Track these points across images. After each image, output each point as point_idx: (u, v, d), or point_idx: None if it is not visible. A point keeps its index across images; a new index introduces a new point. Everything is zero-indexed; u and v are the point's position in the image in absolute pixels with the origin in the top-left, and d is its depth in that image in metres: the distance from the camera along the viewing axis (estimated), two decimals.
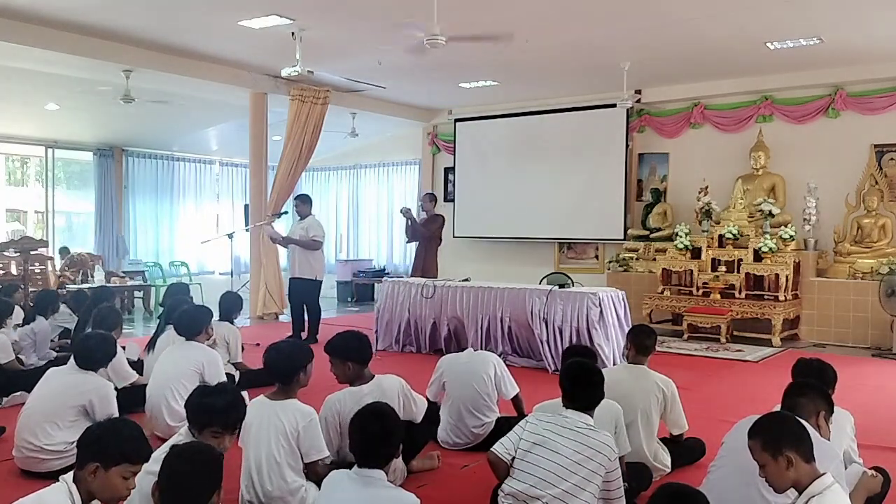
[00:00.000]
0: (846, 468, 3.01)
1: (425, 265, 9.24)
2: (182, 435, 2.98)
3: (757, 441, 2.41)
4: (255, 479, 3.24)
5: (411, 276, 9.27)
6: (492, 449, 3.13)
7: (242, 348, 6.24)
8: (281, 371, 3.39)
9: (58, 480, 2.35)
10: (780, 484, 2.38)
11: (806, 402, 2.92)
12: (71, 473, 2.34)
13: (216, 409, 2.79)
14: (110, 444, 2.32)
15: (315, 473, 3.24)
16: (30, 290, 8.29)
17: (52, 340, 6.58)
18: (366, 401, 3.59)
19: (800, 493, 2.34)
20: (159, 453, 2.92)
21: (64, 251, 11.47)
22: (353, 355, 3.70)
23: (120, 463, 2.31)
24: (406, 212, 9.28)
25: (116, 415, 4.02)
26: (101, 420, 2.53)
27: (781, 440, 2.36)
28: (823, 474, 2.34)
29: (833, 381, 3.36)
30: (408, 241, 9.91)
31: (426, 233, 9.26)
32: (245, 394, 5.07)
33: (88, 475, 2.29)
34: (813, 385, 3.06)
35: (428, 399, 4.43)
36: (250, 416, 3.35)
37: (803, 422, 2.54)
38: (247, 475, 3.27)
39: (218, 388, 3.00)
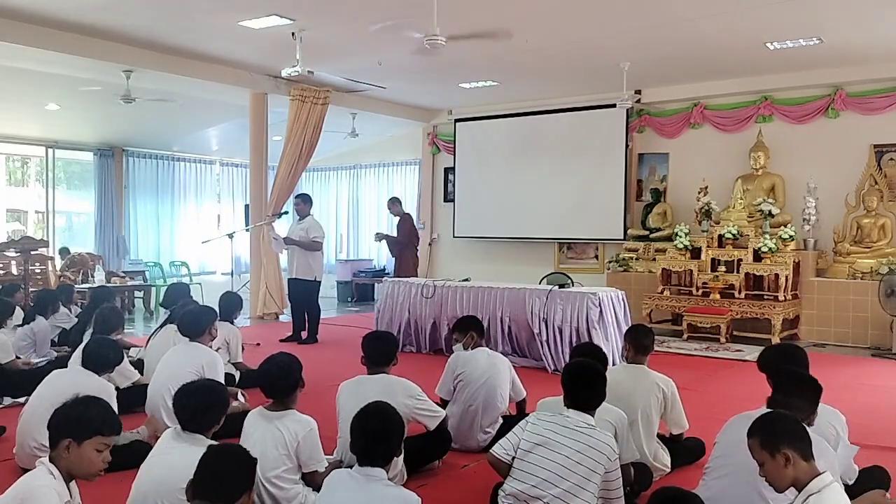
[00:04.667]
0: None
1: (402, 266, 9.68)
2: (168, 437, 3.01)
3: (756, 439, 2.42)
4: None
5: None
6: (491, 451, 3.14)
7: (242, 348, 6.25)
8: (281, 387, 3.38)
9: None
10: (779, 482, 2.38)
11: (800, 404, 2.88)
12: (47, 457, 2.41)
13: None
14: (81, 418, 2.39)
15: (315, 482, 3.24)
16: (30, 290, 8.30)
17: (52, 341, 6.58)
18: (366, 387, 3.73)
19: (799, 492, 2.35)
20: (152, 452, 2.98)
21: (64, 251, 11.48)
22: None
23: (92, 436, 2.38)
24: (380, 237, 9.98)
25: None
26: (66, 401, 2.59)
27: (779, 438, 2.37)
28: (822, 473, 2.35)
29: (806, 365, 3.30)
30: (392, 255, 10.38)
31: (403, 239, 9.70)
32: (244, 394, 5.13)
33: (63, 452, 2.36)
34: (807, 386, 3.02)
35: (442, 399, 4.46)
36: (248, 427, 3.37)
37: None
38: None
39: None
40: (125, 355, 5.34)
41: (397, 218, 10.17)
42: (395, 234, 10.19)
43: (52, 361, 5.99)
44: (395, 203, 9.98)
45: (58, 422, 2.45)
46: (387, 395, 3.51)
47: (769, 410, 2.57)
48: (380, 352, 3.94)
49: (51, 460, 2.39)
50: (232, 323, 6.15)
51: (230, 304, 6.21)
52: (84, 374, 4.07)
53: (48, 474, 2.36)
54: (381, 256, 14.46)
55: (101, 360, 4.15)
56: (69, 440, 2.37)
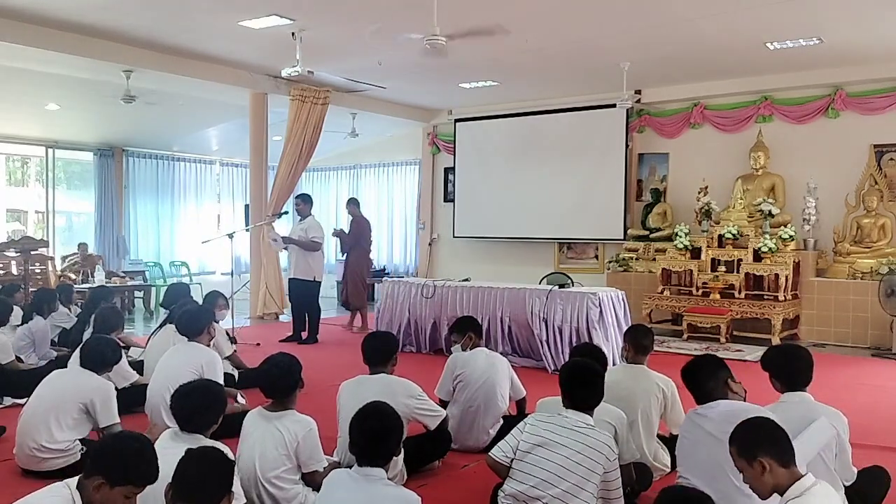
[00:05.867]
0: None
1: (347, 265, 9.56)
2: (166, 437, 3.00)
3: (734, 447, 2.41)
4: (251, 487, 3.23)
5: (343, 278, 9.51)
6: (490, 454, 3.14)
7: (234, 340, 6.22)
8: (281, 387, 3.39)
9: (59, 479, 2.35)
10: (760, 489, 2.37)
11: (714, 385, 3.12)
12: (76, 479, 2.34)
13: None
14: (121, 463, 2.31)
15: (314, 482, 3.24)
16: (30, 290, 8.30)
17: (52, 341, 6.55)
18: (367, 387, 3.73)
19: (781, 496, 2.32)
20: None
21: (82, 246, 11.59)
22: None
23: (125, 484, 2.30)
24: (336, 233, 9.77)
25: (116, 416, 4.04)
26: (116, 433, 2.51)
27: (755, 446, 2.35)
28: (804, 475, 2.32)
29: (810, 366, 3.29)
30: (343, 253, 10.12)
31: (349, 240, 9.57)
32: (243, 395, 5.12)
33: (93, 489, 2.28)
34: (706, 364, 3.25)
35: (441, 400, 4.45)
36: (248, 427, 3.37)
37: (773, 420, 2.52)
38: (243, 483, 3.23)
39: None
40: (123, 355, 5.33)
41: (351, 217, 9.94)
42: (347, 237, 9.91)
43: (51, 361, 5.98)
44: (350, 204, 9.83)
45: (99, 454, 2.35)
46: (387, 395, 3.51)
47: (749, 417, 2.54)
48: (379, 351, 3.94)
49: (78, 486, 2.31)
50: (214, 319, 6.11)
51: (209, 301, 6.18)
52: (84, 375, 4.07)
53: (68, 502, 2.28)
54: (382, 256, 14.49)
55: (99, 358, 4.14)
56: (101, 480, 2.28)
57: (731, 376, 3.21)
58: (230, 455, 2.56)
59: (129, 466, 2.31)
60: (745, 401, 3.19)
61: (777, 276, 8.77)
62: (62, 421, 3.92)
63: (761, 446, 2.33)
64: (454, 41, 7.88)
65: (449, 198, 12.92)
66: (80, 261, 11.15)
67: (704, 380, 3.16)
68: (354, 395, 3.66)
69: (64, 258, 11.88)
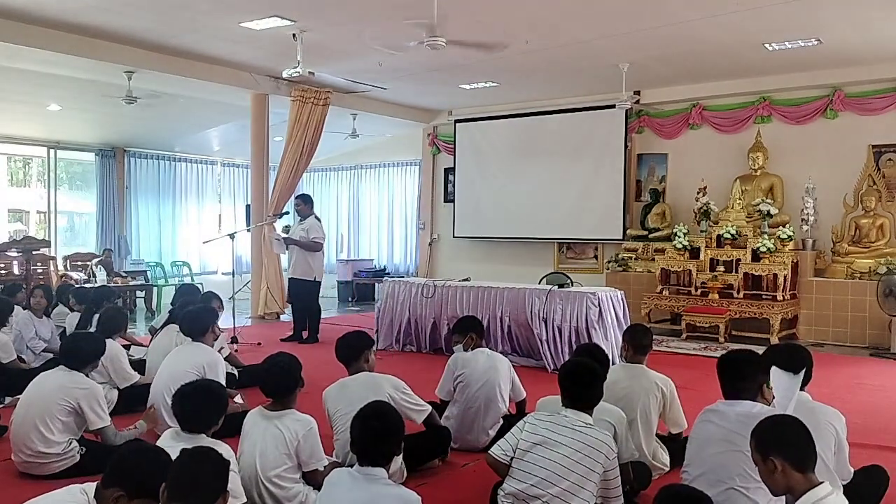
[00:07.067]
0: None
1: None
2: (168, 437, 3.02)
3: (752, 441, 2.40)
4: (251, 487, 3.25)
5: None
6: (490, 452, 3.16)
7: (235, 340, 6.22)
8: (281, 387, 3.41)
9: (61, 482, 2.34)
10: (772, 487, 2.35)
11: (745, 385, 3.04)
12: (93, 485, 2.34)
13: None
14: (142, 477, 2.31)
15: (315, 481, 3.26)
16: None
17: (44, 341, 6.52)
18: (351, 387, 3.76)
19: (795, 500, 2.28)
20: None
21: (107, 252, 11.75)
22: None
23: (143, 496, 2.30)
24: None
25: (107, 417, 4.01)
26: (138, 445, 2.48)
27: (769, 445, 2.32)
28: (820, 484, 2.27)
29: (810, 365, 3.27)
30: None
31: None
32: (241, 395, 5.14)
33: (111, 500, 2.28)
34: (747, 364, 3.15)
35: (441, 400, 4.47)
36: (248, 426, 3.39)
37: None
38: (244, 482, 3.25)
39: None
40: (125, 354, 5.35)
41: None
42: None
43: (49, 361, 5.98)
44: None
45: (121, 465, 2.34)
46: (373, 390, 3.56)
47: (774, 413, 2.52)
48: (347, 347, 3.95)
49: (96, 494, 2.31)
50: None
51: (205, 302, 6.20)
52: (67, 375, 3.99)
53: None
54: (382, 256, 14.54)
55: (78, 354, 4.06)
56: (121, 492, 2.27)
57: (767, 381, 3.13)
58: (227, 454, 2.56)
59: (150, 481, 2.30)
60: (769, 405, 3.12)
61: (775, 275, 8.80)
62: (51, 424, 3.86)
63: (774, 447, 2.30)
64: (455, 43, 7.91)
65: (449, 198, 12.95)
66: (104, 262, 11.25)
67: (739, 378, 3.07)
68: (341, 398, 3.70)
69: (66, 257, 11.91)
